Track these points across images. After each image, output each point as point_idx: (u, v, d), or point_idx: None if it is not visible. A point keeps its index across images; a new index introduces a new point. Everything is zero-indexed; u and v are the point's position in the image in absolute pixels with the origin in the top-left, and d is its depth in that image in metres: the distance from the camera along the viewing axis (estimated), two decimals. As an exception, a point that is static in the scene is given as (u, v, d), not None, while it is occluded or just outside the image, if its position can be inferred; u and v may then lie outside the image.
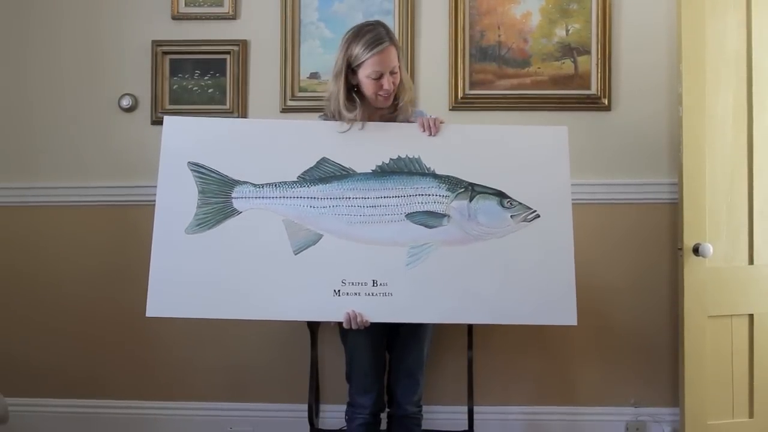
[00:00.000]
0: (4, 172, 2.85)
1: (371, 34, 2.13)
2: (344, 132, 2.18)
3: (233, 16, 2.81)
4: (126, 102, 2.81)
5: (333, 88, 2.20)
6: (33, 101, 2.85)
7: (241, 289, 2.08)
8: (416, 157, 2.14)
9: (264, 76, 2.81)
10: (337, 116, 2.21)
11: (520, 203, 2.12)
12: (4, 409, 2.30)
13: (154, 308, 2.08)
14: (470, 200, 2.11)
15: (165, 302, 2.08)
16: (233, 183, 2.14)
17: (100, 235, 2.82)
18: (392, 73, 2.16)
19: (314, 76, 2.80)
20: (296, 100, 2.79)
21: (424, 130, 2.16)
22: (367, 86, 2.17)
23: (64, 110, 2.84)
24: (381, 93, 2.17)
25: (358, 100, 2.19)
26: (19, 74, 2.85)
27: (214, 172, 2.14)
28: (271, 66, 2.80)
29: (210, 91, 2.81)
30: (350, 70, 2.17)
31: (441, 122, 2.19)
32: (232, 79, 2.80)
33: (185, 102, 2.80)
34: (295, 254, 2.10)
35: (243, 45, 2.80)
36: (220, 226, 2.11)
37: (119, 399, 2.81)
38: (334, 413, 2.67)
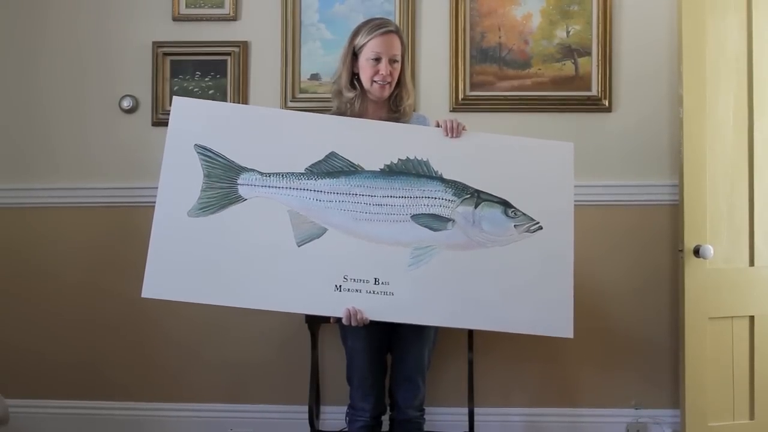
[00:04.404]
0: (4, 173, 2.85)
1: (379, 20, 2.26)
2: (344, 121, 2.22)
3: (234, 18, 2.81)
4: (127, 103, 2.81)
5: (338, 70, 2.30)
6: (34, 102, 2.84)
7: (241, 276, 2.07)
8: (425, 159, 2.15)
9: (264, 78, 2.81)
10: (341, 101, 2.27)
11: (524, 214, 2.13)
12: (4, 411, 2.30)
13: (150, 289, 2.07)
14: (475, 207, 2.12)
15: (161, 284, 2.06)
16: (240, 169, 2.13)
17: (101, 237, 2.82)
18: (392, 61, 2.20)
19: (315, 77, 2.80)
20: (297, 102, 2.79)
21: (447, 134, 2.17)
22: (365, 70, 2.23)
23: (64, 111, 2.84)
24: (376, 78, 2.20)
25: (358, 88, 2.25)
26: (20, 76, 2.85)
27: (220, 157, 2.12)
28: (272, 67, 2.80)
29: (211, 92, 2.81)
30: (354, 56, 2.24)
31: (464, 129, 2.19)
32: (232, 80, 2.80)
33: (186, 103, 2.80)
34: (299, 246, 2.09)
35: (243, 46, 2.80)
36: (224, 212, 2.10)
37: (119, 400, 2.81)
38: (334, 414, 2.67)
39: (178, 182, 2.11)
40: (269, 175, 2.13)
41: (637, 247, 2.75)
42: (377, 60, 2.20)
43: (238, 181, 2.12)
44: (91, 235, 2.82)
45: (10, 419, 2.35)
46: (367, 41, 2.20)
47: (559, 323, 2.11)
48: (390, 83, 2.23)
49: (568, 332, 2.11)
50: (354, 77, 2.26)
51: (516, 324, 2.13)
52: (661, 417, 2.74)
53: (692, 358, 2.47)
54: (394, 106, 2.29)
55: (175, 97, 2.22)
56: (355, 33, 2.25)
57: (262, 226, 2.10)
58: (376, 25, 2.22)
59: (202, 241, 2.08)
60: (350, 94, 2.25)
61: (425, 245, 2.10)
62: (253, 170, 2.13)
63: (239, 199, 2.12)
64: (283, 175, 2.13)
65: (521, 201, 2.13)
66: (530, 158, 2.20)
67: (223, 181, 2.12)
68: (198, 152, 2.12)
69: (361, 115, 2.26)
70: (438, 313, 2.10)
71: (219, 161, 2.12)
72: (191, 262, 2.07)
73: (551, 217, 2.14)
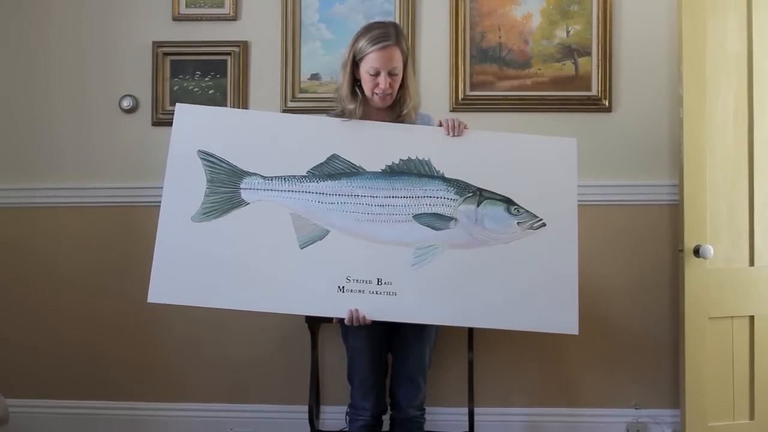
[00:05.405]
0: (4, 174, 2.85)
1: (379, 31, 2.19)
2: (345, 122, 2.21)
3: (234, 18, 2.81)
4: (127, 103, 2.81)
5: (340, 79, 2.27)
6: (33, 102, 2.84)
7: (245, 280, 2.09)
8: (426, 159, 2.15)
9: (265, 78, 2.81)
10: (344, 110, 2.25)
11: (527, 211, 2.13)
12: (4, 411, 2.30)
13: (156, 294, 2.09)
14: (478, 205, 2.12)
15: (167, 289, 2.09)
16: (242, 174, 2.15)
17: (100, 237, 2.82)
18: (392, 74, 2.18)
19: (315, 77, 2.80)
20: (297, 102, 2.79)
21: (448, 133, 2.17)
22: (365, 81, 2.21)
23: (64, 111, 2.84)
24: (376, 91, 2.19)
25: (360, 95, 2.23)
26: (20, 76, 2.85)
27: (223, 162, 2.15)
28: (272, 67, 2.80)
29: (211, 92, 2.81)
30: (355, 63, 2.21)
31: (465, 127, 2.19)
32: (232, 80, 2.80)
33: (186, 103, 2.78)
34: (301, 248, 2.11)
35: (243, 46, 2.80)
36: (227, 216, 2.13)
37: (119, 400, 2.81)
38: (334, 414, 2.67)
39: (181, 188, 2.13)
40: (271, 178, 2.14)
41: (637, 247, 2.75)
42: (376, 74, 2.18)
43: (241, 186, 2.14)
44: (92, 236, 2.82)
45: (10, 419, 2.35)
46: (366, 54, 2.17)
47: (564, 320, 2.11)
48: (390, 94, 2.22)
49: (573, 329, 2.11)
50: (356, 83, 2.24)
51: (520, 322, 2.13)
52: (661, 417, 2.75)
53: (692, 358, 2.47)
54: (399, 110, 2.28)
55: (177, 104, 2.25)
56: (355, 40, 2.21)
57: (265, 230, 2.12)
58: (375, 38, 2.16)
59: (206, 246, 2.10)
60: (351, 106, 2.23)
61: (428, 245, 2.10)
62: (255, 174, 2.14)
63: (242, 203, 2.14)
64: (285, 179, 2.14)
65: (524, 198, 2.14)
66: (533, 155, 2.20)
67: (226, 186, 2.14)
68: (201, 158, 2.15)
69: (364, 119, 2.25)
70: (441, 313, 2.11)
71: (222, 166, 2.14)
72: (196, 267, 2.10)
73: (555, 213, 2.14)
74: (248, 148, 2.17)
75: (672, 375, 2.73)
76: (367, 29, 2.22)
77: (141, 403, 2.81)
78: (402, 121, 2.27)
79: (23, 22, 2.84)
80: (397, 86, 2.22)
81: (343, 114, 2.26)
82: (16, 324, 2.83)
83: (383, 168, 2.14)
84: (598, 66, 2.75)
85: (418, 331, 2.24)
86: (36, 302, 2.83)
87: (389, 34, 2.17)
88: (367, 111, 2.26)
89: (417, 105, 2.32)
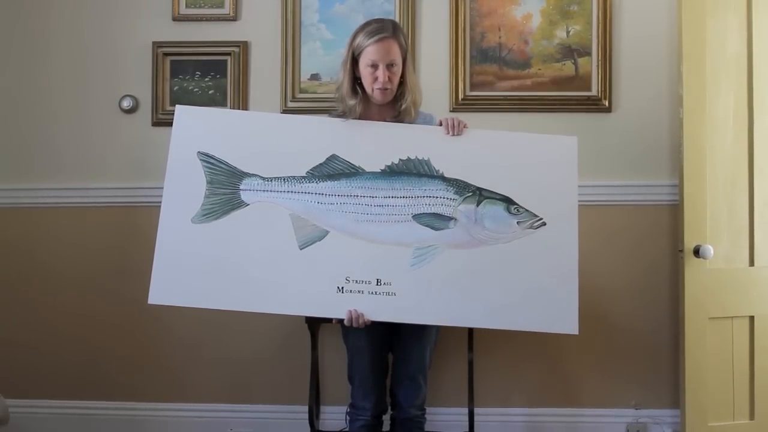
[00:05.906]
0: (5, 174, 2.85)
1: (376, 25, 2.21)
2: (344, 122, 2.22)
3: (234, 18, 2.81)
4: (127, 103, 2.81)
5: (340, 77, 2.27)
6: (33, 103, 2.84)
7: (245, 281, 2.09)
8: (425, 159, 2.16)
9: (265, 78, 2.81)
10: (345, 107, 2.25)
11: (527, 210, 2.13)
12: (4, 411, 2.30)
13: (157, 296, 2.10)
14: (477, 204, 2.13)
15: (167, 290, 2.10)
16: (242, 175, 2.15)
17: (100, 237, 2.82)
18: (390, 66, 2.18)
19: (315, 77, 2.80)
20: (297, 102, 2.79)
21: (447, 132, 2.18)
22: (365, 77, 2.22)
23: (64, 111, 2.84)
24: (375, 85, 2.19)
25: (360, 92, 2.24)
26: (20, 76, 2.85)
27: (223, 163, 2.15)
28: (272, 67, 2.80)
29: (211, 92, 2.81)
30: (354, 60, 2.22)
31: (465, 126, 2.19)
32: (232, 80, 2.80)
33: (186, 103, 2.76)
34: (301, 249, 2.11)
35: (243, 46, 2.80)
36: (227, 217, 2.13)
37: (119, 400, 2.81)
38: (334, 414, 2.67)
39: (181, 190, 2.15)
40: (271, 179, 2.15)
41: (637, 247, 2.75)
42: (375, 67, 2.19)
43: (241, 187, 2.15)
44: (92, 236, 2.82)
45: (10, 419, 2.35)
46: (364, 48, 2.18)
47: (564, 319, 2.11)
48: (390, 88, 2.22)
49: (572, 328, 2.11)
50: (356, 81, 2.25)
51: (520, 322, 2.13)
52: (661, 417, 2.75)
53: (692, 358, 2.47)
54: (398, 105, 2.28)
55: (177, 106, 2.26)
56: (353, 37, 2.23)
57: (264, 231, 2.13)
58: (372, 31, 2.18)
59: (206, 247, 2.12)
60: (352, 102, 2.24)
61: (427, 245, 2.11)
62: (255, 175, 2.15)
63: (242, 204, 2.14)
64: (284, 180, 2.15)
65: (524, 197, 2.14)
66: (533, 154, 2.20)
67: (225, 187, 2.14)
68: (201, 159, 2.16)
69: (365, 117, 2.26)
70: (441, 313, 2.11)
71: (221, 168, 2.15)
72: (196, 268, 2.11)
73: (555, 212, 2.14)
74: (248, 149, 2.17)
75: (672, 375, 2.73)
76: (365, 25, 2.23)
77: (141, 403, 2.81)
78: (401, 116, 2.27)
79: (24, 22, 2.84)
80: (396, 80, 2.22)
81: (344, 114, 2.26)
82: (16, 324, 2.83)
83: (383, 168, 2.15)
84: (598, 66, 2.75)
85: (419, 331, 2.24)
86: (36, 302, 2.83)
87: (386, 27, 2.19)
88: (368, 108, 2.27)
89: (418, 101, 2.32)
